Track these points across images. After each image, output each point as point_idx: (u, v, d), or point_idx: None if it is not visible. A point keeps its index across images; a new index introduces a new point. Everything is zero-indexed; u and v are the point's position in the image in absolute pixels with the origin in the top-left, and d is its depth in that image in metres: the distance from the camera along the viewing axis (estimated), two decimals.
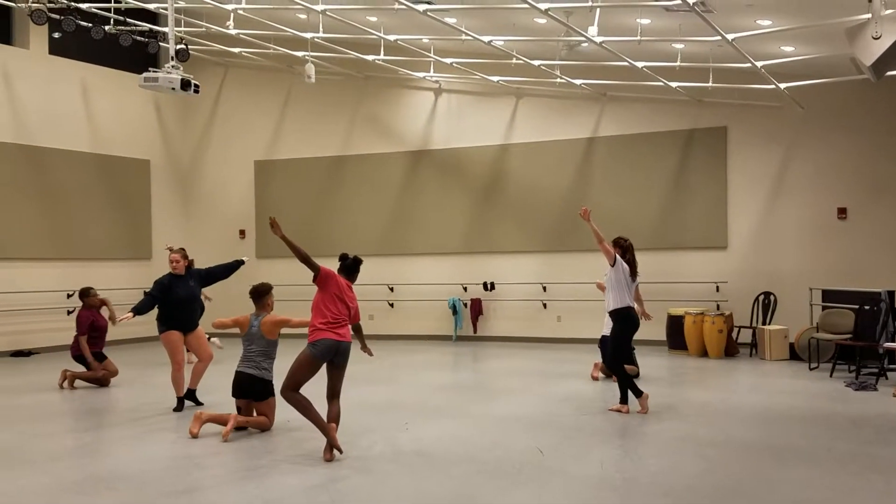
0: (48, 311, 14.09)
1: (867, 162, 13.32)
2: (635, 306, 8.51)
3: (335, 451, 6.41)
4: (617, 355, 8.41)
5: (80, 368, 10.39)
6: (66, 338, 10.58)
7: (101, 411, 8.91)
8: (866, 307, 10.61)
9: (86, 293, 10.49)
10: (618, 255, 8.27)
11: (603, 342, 10.32)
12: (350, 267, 6.79)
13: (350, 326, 6.75)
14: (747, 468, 6.07)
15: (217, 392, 9.13)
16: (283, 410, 7.26)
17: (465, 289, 15.79)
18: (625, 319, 8.30)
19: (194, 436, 7.13)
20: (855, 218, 13.37)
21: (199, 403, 8.77)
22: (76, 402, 9.35)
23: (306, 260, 6.49)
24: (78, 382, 10.38)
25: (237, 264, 9.20)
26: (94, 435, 7.57)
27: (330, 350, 6.48)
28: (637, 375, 10.44)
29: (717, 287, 14.02)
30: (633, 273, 8.34)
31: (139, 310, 8.61)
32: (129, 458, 6.59)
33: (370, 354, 7.11)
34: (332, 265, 6.77)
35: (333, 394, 6.62)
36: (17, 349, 14.18)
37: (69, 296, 14.60)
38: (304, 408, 6.54)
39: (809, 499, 5.36)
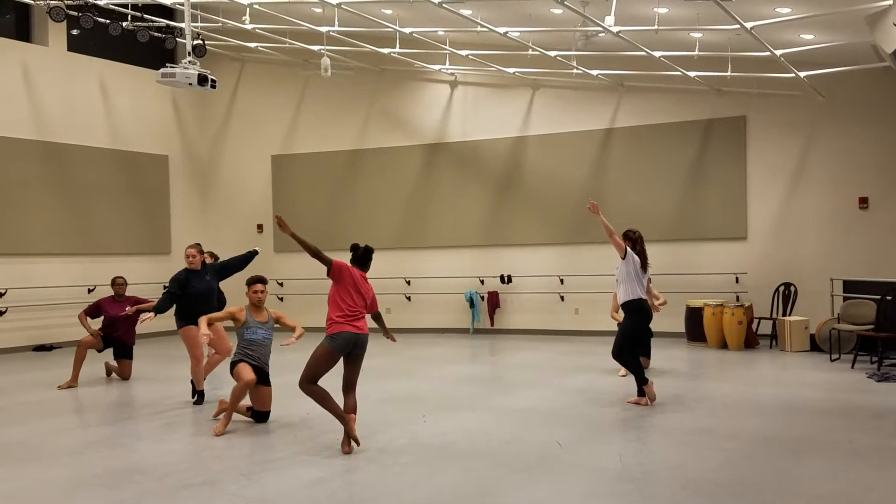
0: (69, 305, 14.20)
1: (889, 151, 13.15)
2: (649, 299, 8.46)
3: (353, 444, 6.43)
4: (624, 346, 8.35)
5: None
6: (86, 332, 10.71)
7: (120, 405, 8.98)
8: (888, 297, 10.49)
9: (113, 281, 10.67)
10: (628, 248, 8.23)
11: None
12: (361, 257, 6.79)
13: (369, 316, 6.78)
14: (767, 461, 6.02)
15: (227, 387, 9.20)
16: (302, 403, 7.29)
17: (482, 282, 15.77)
18: (637, 311, 8.26)
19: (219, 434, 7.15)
20: (877, 208, 13.21)
21: (200, 401, 8.68)
22: (96, 397, 9.43)
23: (317, 255, 6.50)
24: (94, 375, 10.53)
25: (251, 255, 9.25)
26: (114, 429, 7.62)
27: (349, 343, 6.50)
28: (647, 367, 10.39)
29: (737, 278, 13.91)
30: (644, 265, 8.29)
31: (159, 308, 8.65)
32: (150, 451, 6.65)
33: (393, 340, 7.15)
34: (348, 258, 6.78)
35: (349, 386, 6.65)
36: (38, 344, 14.36)
37: (90, 290, 14.73)
38: (323, 398, 6.56)
39: (830, 492, 5.31)
